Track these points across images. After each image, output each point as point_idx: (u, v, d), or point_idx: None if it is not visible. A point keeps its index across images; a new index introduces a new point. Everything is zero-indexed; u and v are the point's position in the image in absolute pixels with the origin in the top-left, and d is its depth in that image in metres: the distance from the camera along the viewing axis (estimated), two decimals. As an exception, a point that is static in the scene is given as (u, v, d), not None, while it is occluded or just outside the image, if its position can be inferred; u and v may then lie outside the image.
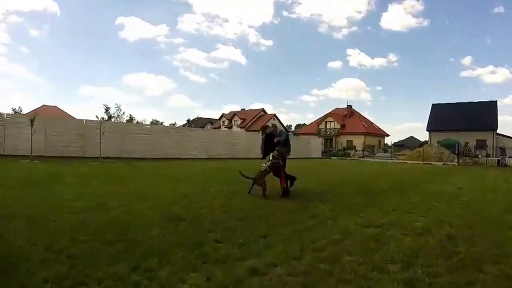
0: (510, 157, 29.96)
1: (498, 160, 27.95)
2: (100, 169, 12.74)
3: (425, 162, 29.47)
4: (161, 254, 3.51)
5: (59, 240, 3.80)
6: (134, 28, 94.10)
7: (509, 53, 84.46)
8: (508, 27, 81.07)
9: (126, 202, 6.24)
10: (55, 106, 50.78)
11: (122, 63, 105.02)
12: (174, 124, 59.42)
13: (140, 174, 11.89)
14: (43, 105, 50.93)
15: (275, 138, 8.09)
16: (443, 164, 27.49)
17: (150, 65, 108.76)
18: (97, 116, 18.60)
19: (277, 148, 7.88)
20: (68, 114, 48.66)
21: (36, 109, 48.12)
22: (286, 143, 8.02)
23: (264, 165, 7.85)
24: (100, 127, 18.22)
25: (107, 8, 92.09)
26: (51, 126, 18.78)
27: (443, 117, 46.27)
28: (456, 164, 27.69)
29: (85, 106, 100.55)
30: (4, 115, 18.13)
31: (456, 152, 30.23)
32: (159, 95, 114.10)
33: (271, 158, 7.85)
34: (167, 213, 5.42)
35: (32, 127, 15.86)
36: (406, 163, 29.33)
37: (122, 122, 26.48)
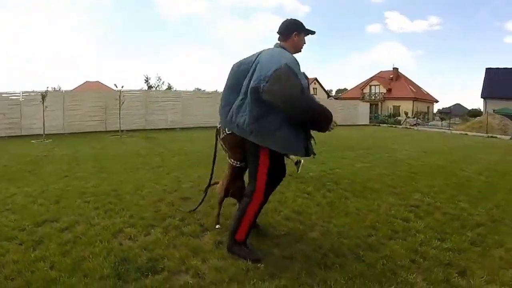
0: None
1: None
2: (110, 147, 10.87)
3: (489, 135, 26.20)
4: None
5: None
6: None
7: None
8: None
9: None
10: (97, 81, 51.44)
11: (166, 36, 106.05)
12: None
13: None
14: (86, 81, 52.13)
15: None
16: (510, 138, 24.19)
17: (192, 38, 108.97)
18: (119, 86, 16.56)
19: None
20: (110, 88, 48.23)
21: (79, 86, 49.14)
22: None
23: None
24: (120, 96, 15.92)
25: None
26: (69, 101, 16.95)
27: (500, 83, 41.14)
28: (526, 139, 23.74)
29: (130, 80, 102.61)
30: (20, 93, 16.43)
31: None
32: (203, 66, 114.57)
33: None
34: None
35: (43, 103, 14.22)
36: (466, 134, 26.14)
37: (145, 90, 24.68)
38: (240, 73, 3.24)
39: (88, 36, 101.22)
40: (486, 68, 44.71)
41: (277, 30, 3.37)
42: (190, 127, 19.09)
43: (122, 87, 16.60)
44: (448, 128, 32.73)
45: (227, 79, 3.41)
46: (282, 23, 3.35)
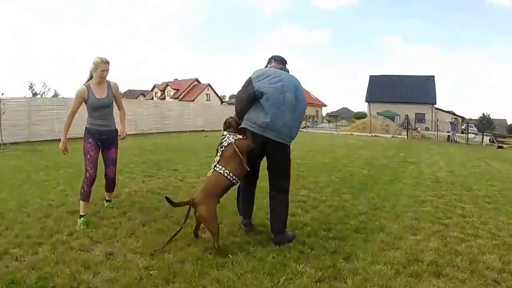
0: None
1: (449, 136, 26.70)
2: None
3: (373, 134, 28.80)
4: None
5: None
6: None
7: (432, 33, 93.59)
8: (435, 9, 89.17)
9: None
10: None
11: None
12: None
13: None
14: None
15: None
16: (392, 137, 26.85)
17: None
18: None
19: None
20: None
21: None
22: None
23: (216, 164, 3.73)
24: None
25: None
26: None
27: (382, 88, 46.70)
28: (406, 137, 26.64)
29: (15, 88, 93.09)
30: None
31: (406, 124, 29.07)
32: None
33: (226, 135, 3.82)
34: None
35: None
36: (352, 134, 28.49)
37: (28, 98, 22.24)
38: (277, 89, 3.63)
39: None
40: (370, 75, 50.06)
41: (280, 58, 4.07)
42: (79, 137, 17.59)
43: (2, 94, 14.53)
44: (335, 129, 35.22)
45: (276, 98, 3.59)
46: (281, 56, 4.10)
